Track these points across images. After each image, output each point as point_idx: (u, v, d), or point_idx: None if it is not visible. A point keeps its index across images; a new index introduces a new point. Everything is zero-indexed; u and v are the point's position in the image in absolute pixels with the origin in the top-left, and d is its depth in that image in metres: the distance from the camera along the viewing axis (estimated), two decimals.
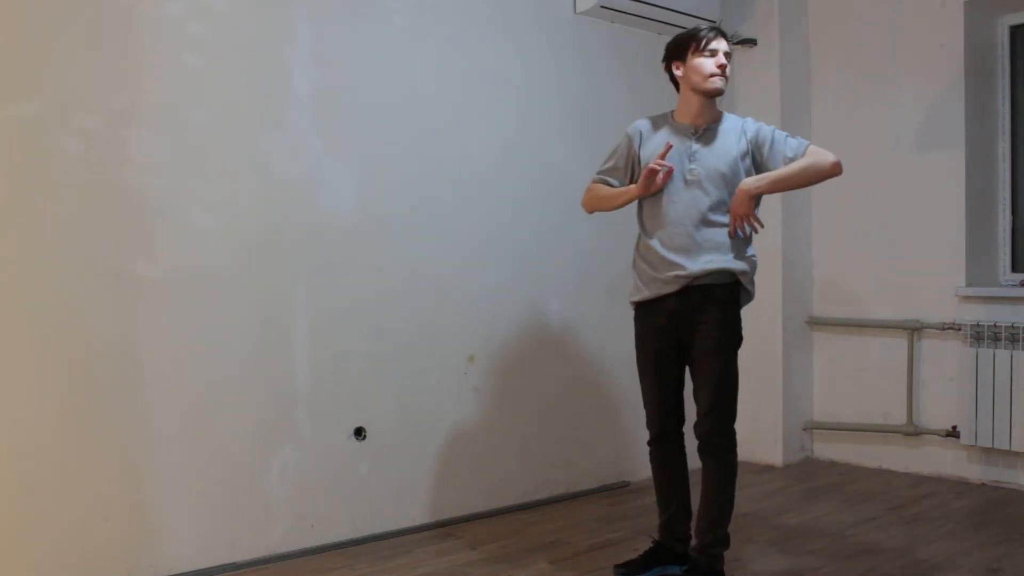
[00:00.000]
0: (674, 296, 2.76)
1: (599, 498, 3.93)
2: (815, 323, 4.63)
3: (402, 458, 3.43)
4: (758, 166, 2.79)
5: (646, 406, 2.91)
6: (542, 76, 3.88)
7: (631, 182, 2.89)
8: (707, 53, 2.76)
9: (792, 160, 2.73)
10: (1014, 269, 4.21)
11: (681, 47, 2.81)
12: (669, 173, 2.74)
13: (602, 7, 3.95)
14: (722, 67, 2.76)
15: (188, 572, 2.91)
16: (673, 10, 4.12)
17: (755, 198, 2.74)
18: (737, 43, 4.57)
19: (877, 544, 3.23)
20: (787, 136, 2.79)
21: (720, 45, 2.77)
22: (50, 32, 2.67)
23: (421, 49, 3.49)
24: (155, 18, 2.86)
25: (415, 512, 3.46)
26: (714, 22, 4.31)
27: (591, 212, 3.04)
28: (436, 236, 3.53)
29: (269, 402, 3.10)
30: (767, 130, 2.79)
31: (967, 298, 4.10)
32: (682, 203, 2.76)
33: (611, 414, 4.02)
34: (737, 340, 2.85)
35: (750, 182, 2.72)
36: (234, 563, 3.01)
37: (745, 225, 2.73)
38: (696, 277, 2.73)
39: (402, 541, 3.32)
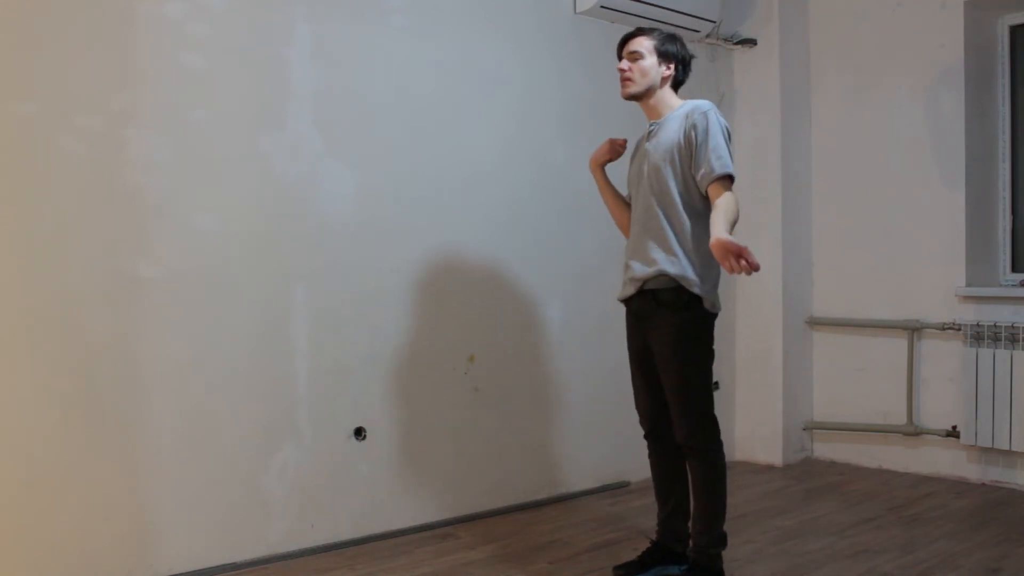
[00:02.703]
0: (634, 299, 2.79)
1: (599, 498, 3.93)
2: (815, 323, 4.63)
3: (402, 458, 3.43)
4: (686, 159, 2.65)
5: (636, 404, 2.94)
6: (542, 76, 3.88)
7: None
8: (619, 62, 2.79)
9: (700, 183, 2.61)
10: (1014, 269, 4.22)
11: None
12: (621, 145, 2.93)
13: (602, 7, 3.95)
14: (621, 71, 2.76)
15: (188, 572, 2.91)
16: (673, 10, 4.12)
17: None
18: (737, 43, 4.58)
19: (877, 544, 3.23)
20: (715, 154, 2.58)
21: (623, 49, 2.78)
22: (50, 32, 2.67)
23: (421, 49, 3.49)
24: (155, 18, 2.86)
25: (415, 512, 3.46)
26: (713, 22, 4.33)
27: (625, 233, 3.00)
28: (436, 236, 3.53)
29: (269, 402, 3.10)
30: (702, 133, 2.61)
31: (967, 298, 4.10)
32: (637, 207, 2.79)
33: (611, 414, 4.02)
34: (697, 345, 2.69)
35: (723, 233, 2.44)
36: (234, 563, 3.01)
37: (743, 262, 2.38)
38: (645, 281, 2.71)
39: (402, 541, 3.32)
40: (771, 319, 4.53)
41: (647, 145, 2.79)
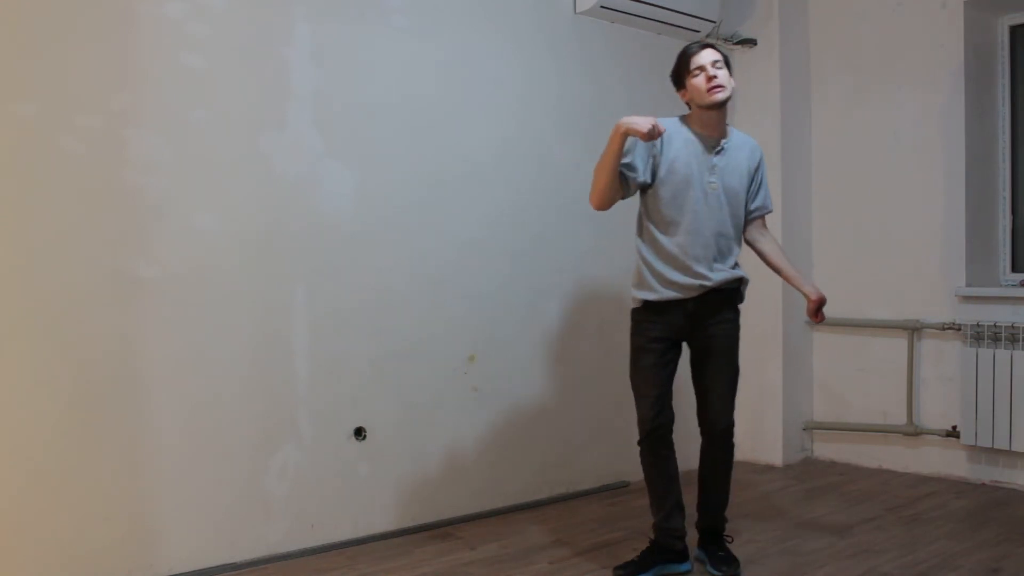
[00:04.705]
0: (693, 300, 2.88)
1: (599, 498, 3.93)
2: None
3: (402, 458, 3.43)
4: (747, 189, 2.99)
5: (641, 404, 2.91)
6: (542, 76, 3.88)
7: (653, 180, 2.84)
8: (696, 73, 2.84)
9: (753, 212, 3.02)
10: (1014, 269, 4.22)
11: (678, 77, 2.91)
12: (659, 134, 2.72)
13: (602, 7, 3.95)
14: (711, 78, 2.82)
15: (188, 572, 2.91)
16: (673, 10, 4.12)
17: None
18: (737, 43, 4.58)
19: (877, 544, 3.24)
20: (767, 191, 3.06)
21: (703, 59, 2.84)
22: (50, 32, 2.67)
23: (421, 49, 3.49)
24: (155, 18, 2.86)
25: (415, 512, 3.46)
26: (713, 22, 4.33)
27: (599, 205, 2.85)
28: (436, 236, 3.53)
29: (269, 402, 3.10)
30: (763, 170, 3.03)
31: (967, 298, 4.10)
32: (703, 213, 2.86)
33: (611, 414, 4.02)
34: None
35: (817, 290, 3.10)
36: (234, 563, 3.01)
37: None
38: (715, 284, 2.89)
39: (402, 541, 3.32)
40: (771, 319, 4.53)
41: (714, 159, 2.87)
